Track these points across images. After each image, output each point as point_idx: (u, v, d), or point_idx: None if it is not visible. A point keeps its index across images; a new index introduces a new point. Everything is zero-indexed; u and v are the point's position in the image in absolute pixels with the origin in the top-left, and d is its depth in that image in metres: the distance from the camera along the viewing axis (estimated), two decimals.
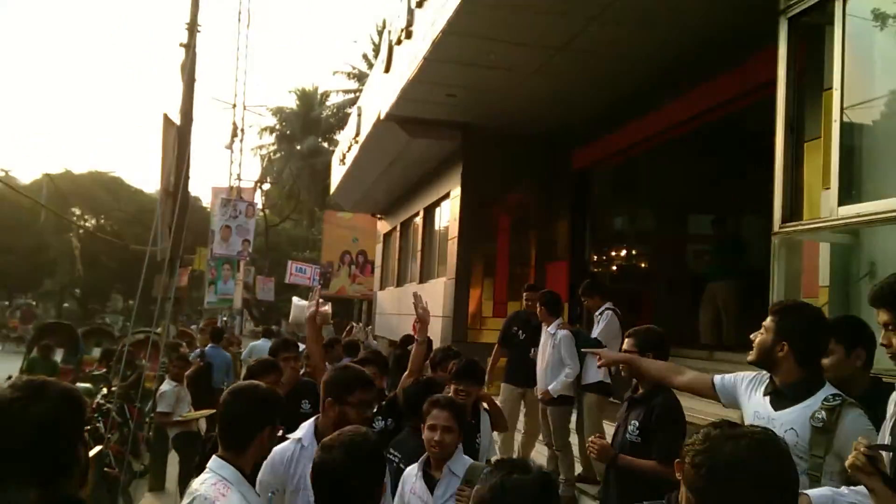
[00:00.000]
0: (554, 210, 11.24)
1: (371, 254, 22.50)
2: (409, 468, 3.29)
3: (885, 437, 2.34)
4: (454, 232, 11.69)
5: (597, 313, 6.32)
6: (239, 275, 20.18)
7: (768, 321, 2.76)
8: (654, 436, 3.49)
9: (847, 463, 1.87)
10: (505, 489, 1.53)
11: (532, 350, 6.56)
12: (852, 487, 2.50)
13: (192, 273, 21.34)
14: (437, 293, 12.16)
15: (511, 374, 6.86)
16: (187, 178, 6.65)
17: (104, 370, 11.91)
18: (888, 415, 2.40)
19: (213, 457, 2.38)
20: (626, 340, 3.84)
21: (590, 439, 3.84)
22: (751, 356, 2.80)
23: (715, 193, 10.45)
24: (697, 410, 5.68)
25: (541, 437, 6.65)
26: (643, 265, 11.64)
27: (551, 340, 6.26)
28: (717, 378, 2.98)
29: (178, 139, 6.39)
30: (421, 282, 14.49)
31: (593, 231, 10.90)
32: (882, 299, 2.37)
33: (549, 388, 6.09)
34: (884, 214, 3.83)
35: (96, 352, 14.85)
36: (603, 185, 11.17)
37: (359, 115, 14.03)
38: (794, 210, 4.44)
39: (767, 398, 2.74)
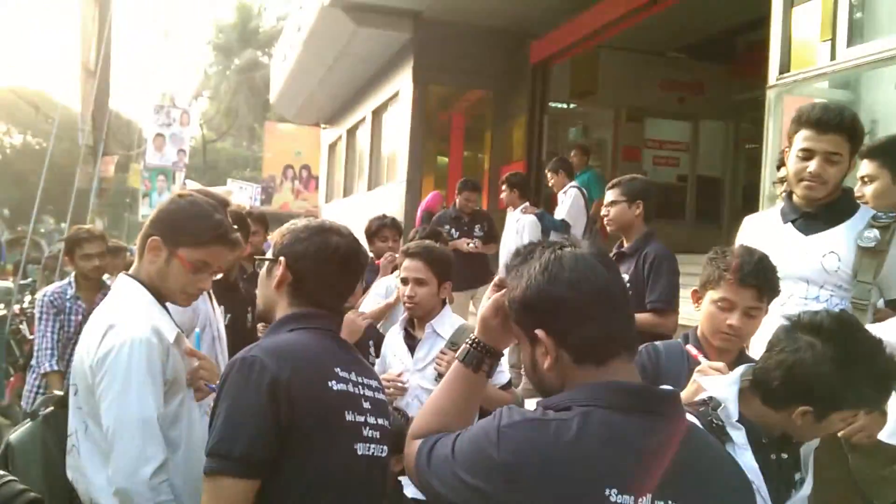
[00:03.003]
0: (511, 108, 10.70)
1: (315, 169, 21.60)
2: (392, 328, 2.93)
3: None
4: (405, 133, 11.08)
5: (561, 192, 5.95)
6: (175, 187, 19.10)
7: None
8: (645, 286, 3.17)
9: None
10: (562, 259, 1.20)
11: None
12: (880, 324, 2.21)
13: (119, 166, 19.87)
14: (387, 201, 11.63)
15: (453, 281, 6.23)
16: (109, 50, 5.82)
17: (29, 280, 11.17)
18: None
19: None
20: (610, 191, 3.45)
21: None
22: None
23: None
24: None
25: None
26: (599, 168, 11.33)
27: (516, 226, 5.91)
28: None
29: (98, 3, 5.59)
30: (370, 189, 13.92)
31: (552, 128, 10.46)
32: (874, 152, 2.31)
33: None
34: (890, 52, 3.52)
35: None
36: (562, 81, 10.65)
37: (301, 7, 13.05)
38: (790, 62, 4.10)
39: (790, 224, 2.40)
